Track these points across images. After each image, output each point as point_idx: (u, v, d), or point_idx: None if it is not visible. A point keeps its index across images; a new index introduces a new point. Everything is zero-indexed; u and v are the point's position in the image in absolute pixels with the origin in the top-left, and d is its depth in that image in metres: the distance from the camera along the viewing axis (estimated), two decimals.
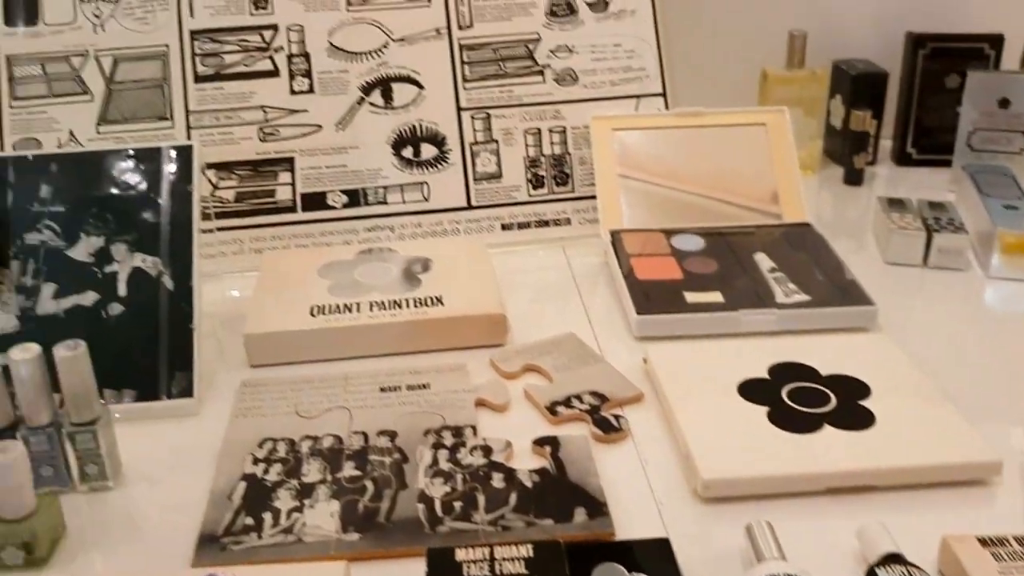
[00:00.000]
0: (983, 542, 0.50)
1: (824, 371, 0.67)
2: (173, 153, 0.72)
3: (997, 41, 1.03)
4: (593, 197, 0.88)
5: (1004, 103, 0.98)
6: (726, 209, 0.88)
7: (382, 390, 0.66)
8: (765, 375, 0.67)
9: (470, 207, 0.88)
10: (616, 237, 0.84)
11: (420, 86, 0.89)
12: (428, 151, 0.88)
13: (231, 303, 0.79)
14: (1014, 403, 0.67)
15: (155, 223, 0.70)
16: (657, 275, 0.80)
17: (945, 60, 1.04)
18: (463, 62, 0.90)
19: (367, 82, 0.88)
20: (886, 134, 1.09)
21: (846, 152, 1.03)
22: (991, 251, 0.84)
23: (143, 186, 0.71)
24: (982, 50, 1.03)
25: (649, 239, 0.84)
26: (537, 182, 0.89)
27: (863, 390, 0.65)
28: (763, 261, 0.82)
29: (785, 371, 0.67)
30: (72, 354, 0.57)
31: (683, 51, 0.96)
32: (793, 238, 0.85)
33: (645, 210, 0.87)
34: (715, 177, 0.89)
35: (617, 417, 0.63)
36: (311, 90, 0.87)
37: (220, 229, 0.82)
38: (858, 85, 1.03)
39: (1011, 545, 0.50)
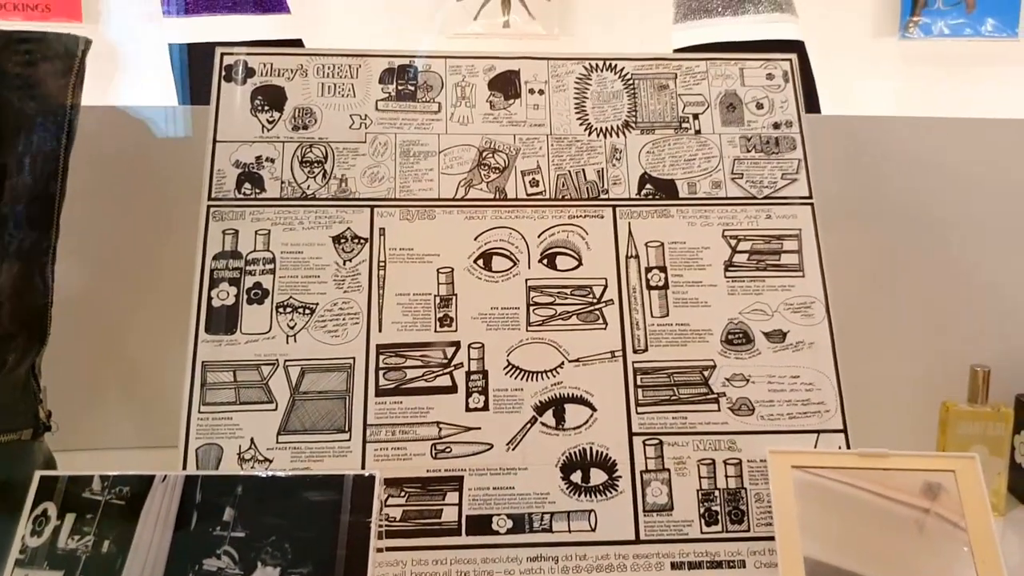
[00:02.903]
0: None
1: None
2: (355, 482, 0.72)
3: None
4: (770, 538, 0.83)
5: None
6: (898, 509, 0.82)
7: None
8: None
9: (638, 541, 0.84)
10: None
11: (593, 408, 0.88)
12: (597, 477, 0.85)
13: None
14: None
15: (331, 557, 0.68)
16: None
17: None
18: (636, 386, 0.89)
19: (540, 402, 0.87)
20: None
21: None
22: None
23: (322, 516, 0.70)
24: None
25: None
26: (711, 518, 0.85)
27: None
28: None
29: None
30: None
31: (859, 382, 0.93)
32: None
33: (821, 525, 0.81)
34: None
35: None
36: (486, 407, 0.87)
37: (387, 549, 0.80)
38: None
39: None
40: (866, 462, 0.87)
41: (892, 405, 1.02)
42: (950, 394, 1.00)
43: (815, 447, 0.89)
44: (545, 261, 0.93)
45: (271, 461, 0.84)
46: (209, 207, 0.92)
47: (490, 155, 0.96)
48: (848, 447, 0.89)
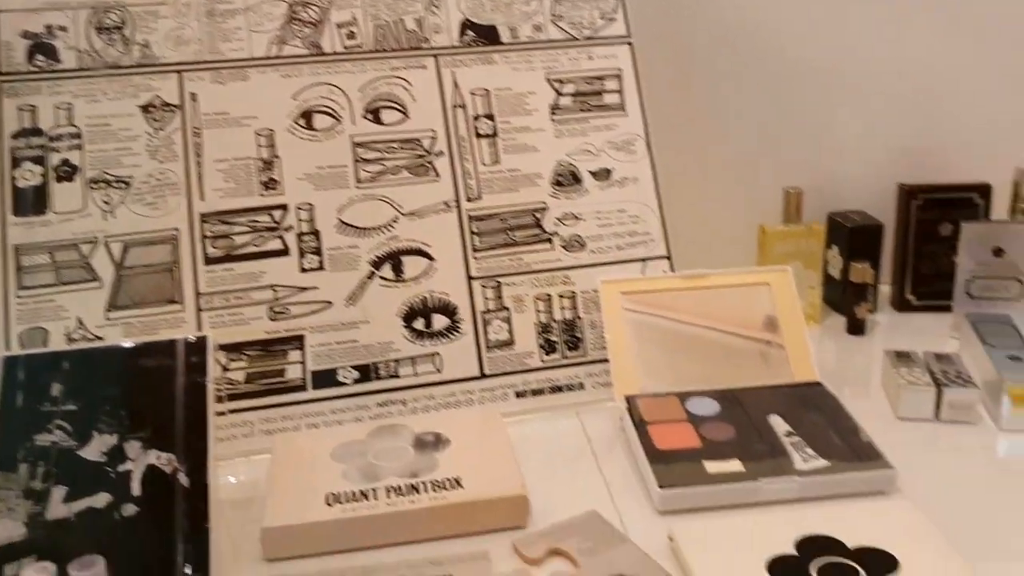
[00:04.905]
0: None
1: (850, 543, 0.66)
2: (187, 345, 0.71)
3: (985, 190, 1.06)
4: (605, 361, 0.88)
5: (998, 252, 1.00)
6: (732, 341, 0.89)
7: None
8: (793, 551, 0.66)
9: (483, 376, 0.88)
10: (631, 403, 0.84)
11: (430, 258, 0.89)
12: (440, 322, 0.88)
13: (242, 489, 0.77)
14: None
15: (169, 418, 0.69)
16: (676, 444, 0.79)
17: (937, 209, 1.07)
18: (472, 233, 0.91)
19: (377, 256, 0.88)
20: (884, 279, 1.11)
21: (847, 302, 1.04)
22: (1000, 403, 0.84)
23: (157, 380, 0.70)
24: (972, 199, 1.06)
25: (664, 405, 0.84)
26: (549, 347, 0.89)
27: (891, 563, 0.64)
28: (778, 424, 0.81)
29: (812, 545, 0.66)
30: (88, 574, 0.55)
31: (683, 212, 0.98)
32: (806, 398, 0.85)
33: (654, 357, 0.87)
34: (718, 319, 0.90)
35: None
36: (321, 267, 0.87)
37: (231, 412, 0.80)
38: (855, 237, 1.06)
39: None
40: (688, 283, 0.93)
41: (715, 232, 1.07)
42: (768, 218, 1.07)
43: (642, 274, 0.94)
44: (370, 116, 0.92)
45: (102, 339, 0.82)
46: (0, 82, 0.86)
47: (301, 9, 0.93)
48: (672, 272, 0.95)
